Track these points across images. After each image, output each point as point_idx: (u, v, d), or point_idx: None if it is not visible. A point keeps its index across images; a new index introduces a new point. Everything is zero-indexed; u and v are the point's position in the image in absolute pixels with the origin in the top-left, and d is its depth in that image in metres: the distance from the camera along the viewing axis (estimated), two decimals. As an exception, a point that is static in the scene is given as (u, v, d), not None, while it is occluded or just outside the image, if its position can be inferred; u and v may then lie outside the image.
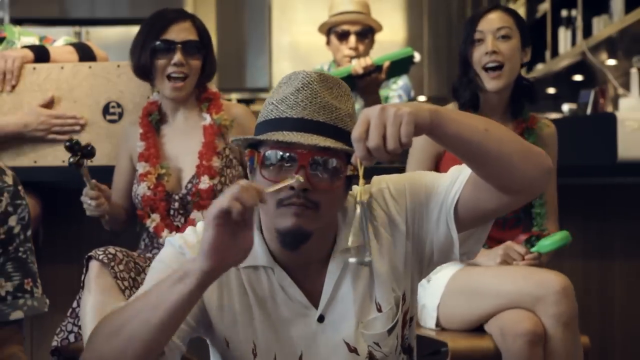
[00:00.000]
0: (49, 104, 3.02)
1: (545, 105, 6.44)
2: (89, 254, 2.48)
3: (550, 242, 2.62)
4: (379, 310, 1.73)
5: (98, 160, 2.75)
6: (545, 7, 6.00)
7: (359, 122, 1.46)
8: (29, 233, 1.80)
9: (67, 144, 2.49)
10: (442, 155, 2.69)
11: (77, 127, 3.02)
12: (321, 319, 1.72)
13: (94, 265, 2.45)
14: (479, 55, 2.64)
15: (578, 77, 6.00)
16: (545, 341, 2.43)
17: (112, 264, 2.44)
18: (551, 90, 6.67)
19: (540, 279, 2.44)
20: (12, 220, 1.75)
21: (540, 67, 6.20)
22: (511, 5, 6.65)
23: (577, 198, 3.14)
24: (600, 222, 3.17)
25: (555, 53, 5.84)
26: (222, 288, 1.70)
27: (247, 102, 6.88)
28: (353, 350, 1.72)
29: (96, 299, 2.40)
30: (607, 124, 3.17)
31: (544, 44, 6.02)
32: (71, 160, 2.49)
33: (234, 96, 6.94)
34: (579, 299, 2.59)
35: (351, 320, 1.72)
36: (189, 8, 6.67)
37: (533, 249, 2.61)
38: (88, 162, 2.54)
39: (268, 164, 1.61)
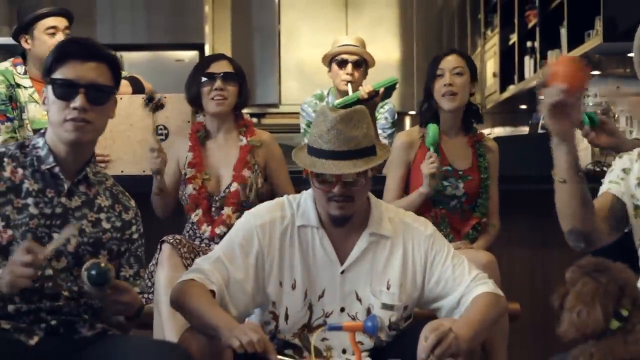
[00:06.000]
0: None
1: (520, 119, 6.94)
2: (162, 238, 2.98)
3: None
4: (388, 288, 2.34)
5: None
6: (514, 37, 6.48)
7: (435, 337, 2.09)
8: (143, 239, 2.36)
9: (145, 96, 3.24)
10: (412, 162, 3.32)
11: (103, 165, 3.53)
12: (343, 272, 2.34)
13: (166, 247, 2.93)
14: (439, 86, 3.31)
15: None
16: None
17: (179, 246, 2.92)
18: (523, 106, 7.07)
19: (471, 256, 2.80)
20: (134, 228, 2.32)
21: (511, 88, 6.64)
22: (488, 34, 7.17)
23: (524, 201, 3.58)
24: (542, 221, 3.40)
25: (521, 77, 6.32)
26: (280, 242, 2.33)
27: (258, 116, 7.21)
28: (359, 299, 2.34)
29: (168, 274, 2.84)
30: (546, 141, 3.71)
31: (514, 69, 6.49)
32: (146, 104, 3.21)
33: (246, 111, 6.83)
34: (526, 281, 2.97)
35: (363, 281, 2.34)
36: (207, 33, 7.02)
37: None
38: (158, 113, 3.20)
39: (318, 180, 2.29)
